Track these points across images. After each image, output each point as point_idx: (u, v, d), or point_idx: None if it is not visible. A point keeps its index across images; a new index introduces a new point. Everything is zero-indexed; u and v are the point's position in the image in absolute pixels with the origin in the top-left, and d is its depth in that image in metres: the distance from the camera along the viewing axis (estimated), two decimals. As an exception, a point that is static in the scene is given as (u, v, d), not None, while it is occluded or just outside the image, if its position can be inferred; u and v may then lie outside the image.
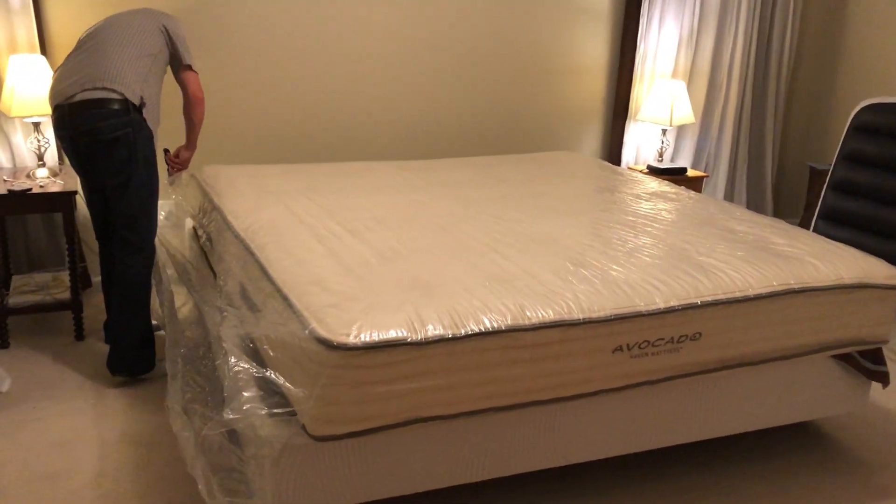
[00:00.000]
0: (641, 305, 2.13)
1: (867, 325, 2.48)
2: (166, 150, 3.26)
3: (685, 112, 4.43)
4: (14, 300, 3.32)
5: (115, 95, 2.78)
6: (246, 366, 2.03)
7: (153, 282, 3.07)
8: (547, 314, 2.02)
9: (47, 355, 3.22)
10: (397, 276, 2.18)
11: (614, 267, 2.33)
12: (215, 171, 3.32)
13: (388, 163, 3.70)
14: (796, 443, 2.80)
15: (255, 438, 1.92)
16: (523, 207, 2.97)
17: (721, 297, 2.23)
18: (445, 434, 2.08)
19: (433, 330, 1.90)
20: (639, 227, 2.76)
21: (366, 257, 2.32)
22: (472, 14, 4.25)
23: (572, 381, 2.10)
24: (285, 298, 2.06)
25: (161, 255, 3.15)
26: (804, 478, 2.59)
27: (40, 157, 3.44)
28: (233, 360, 2.03)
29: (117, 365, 2.99)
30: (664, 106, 4.39)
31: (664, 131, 4.58)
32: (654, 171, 4.45)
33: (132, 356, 3.00)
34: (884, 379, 2.62)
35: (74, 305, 3.33)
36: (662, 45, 4.58)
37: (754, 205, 5.05)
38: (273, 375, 1.96)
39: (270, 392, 1.97)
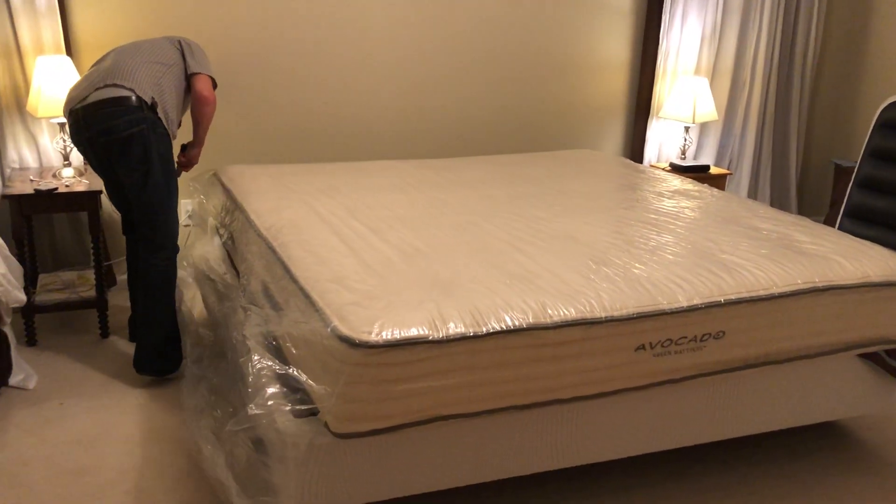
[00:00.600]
0: (664, 304, 2.12)
1: (895, 323, 2.45)
2: (183, 146, 3.25)
3: (708, 109, 4.40)
4: (40, 298, 3.36)
5: (125, 92, 2.80)
6: (269, 363, 2.04)
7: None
8: (569, 312, 2.02)
9: (73, 353, 3.26)
10: (419, 274, 2.18)
11: (637, 265, 2.31)
12: (238, 170, 3.34)
13: (410, 161, 3.71)
14: (821, 443, 2.77)
15: (278, 435, 1.94)
16: (545, 205, 2.96)
17: (745, 295, 2.21)
18: (467, 432, 2.08)
19: (455, 328, 1.90)
20: (661, 225, 2.74)
21: (387, 255, 2.33)
22: (493, 12, 4.24)
23: (594, 379, 2.10)
24: (307, 297, 2.07)
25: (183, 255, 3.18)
26: (830, 478, 2.57)
27: (66, 157, 3.48)
28: (256, 357, 2.05)
29: (143, 364, 3.02)
30: (687, 103, 4.36)
31: (687, 129, 4.54)
32: (676, 169, 4.42)
33: (158, 355, 3.02)
34: (911, 378, 2.60)
35: (100, 303, 3.36)
36: (685, 41, 4.55)
37: (778, 202, 5.00)
38: (296, 373, 1.97)
39: (293, 389, 1.98)
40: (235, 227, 2.94)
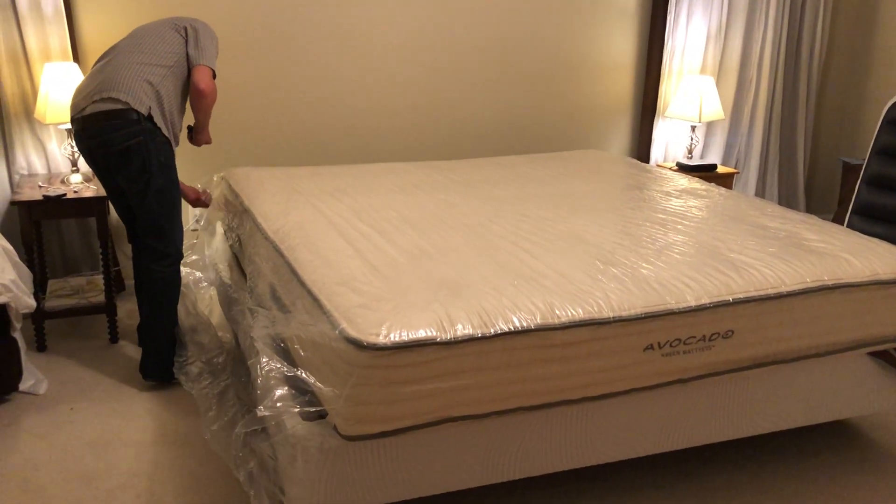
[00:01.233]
0: (672, 303, 2.12)
1: (904, 321, 2.44)
2: (189, 128, 3.22)
3: (714, 108, 4.39)
4: (50, 304, 3.37)
5: (120, 106, 2.76)
6: (277, 365, 2.05)
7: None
8: (577, 313, 2.02)
9: (82, 358, 3.27)
10: (426, 275, 2.18)
11: (644, 265, 2.31)
12: (244, 173, 3.35)
13: (416, 163, 3.71)
14: (831, 442, 2.76)
15: (288, 438, 1.94)
16: (552, 206, 2.96)
17: (753, 294, 2.20)
18: (476, 434, 2.08)
19: (462, 329, 1.90)
20: (669, 225, 2.73)
21: (394, 257, 2.33)
22: (498, 13, 4.24)
23: (603, 380, 2.09)
24: (315, 299, 2.07)
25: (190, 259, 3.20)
26: (840, 478, 2.56)
27: (74, 163, 3.50)
28: (264, 359, 2.05)
29: (148, 369, 3.03)
30: (693, 102, 4.35)
31: (693, 128, 4.53)
32: (683, 169, 4.41)
33: (163, 360, 3.03)
34: (922, 376, 2.58)
35: (109, 309, 3.38)
36: (690, 41, 4.54)
37: (786, 201, 4.99)
38: (304, 375, 1.98)
39: (302, 391, 1.99)
40: (243, 230, 2.95)
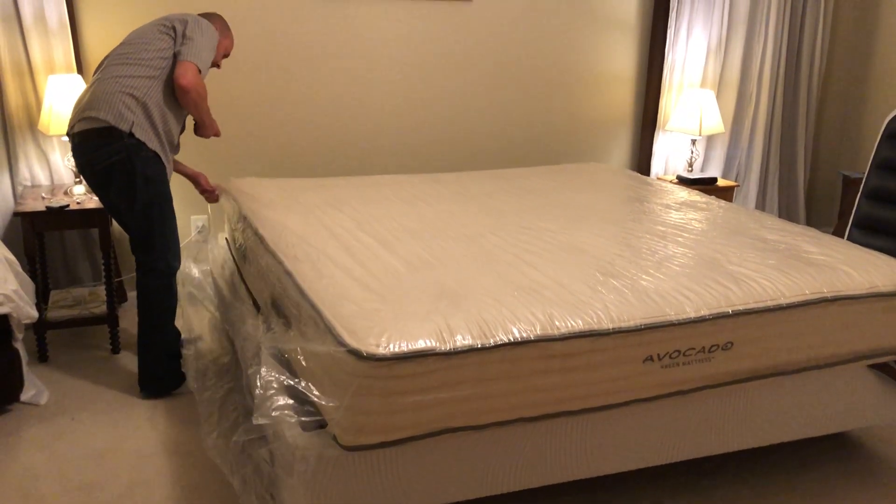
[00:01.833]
0: (672, 315, 2.12)
1: (904, 333, 2.44)
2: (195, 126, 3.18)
3: (715, 122, 4.41)
4: (52, 314, 3.38)
5: (101, 124, 2.76)
6: (276, 374, 2.05)
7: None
8: (576, 324, 2.02)
9: (84, 369, 3.27)
10: (426, 286, 2.19)
11: (644, 276, 2.32)
12: (246, 184, 3.37)
13: (418, 175, 3.73)
14: (833, 454, 2.75)
15: (287, 448, 1.94)
16: (552, 218, 2.97)
17: (752, 306, 2.21)
18: (476, 445, 2.08)
19: (462, 340, 1.91)
20: (669, 237, 2.74)
21: (395, 268, 2.34)
22: (499, 26, 4.27)
23: (602, 391, 2.10)
24: (315, 309, 2.08)
25: (190, 269, 3.20)
26: (841, 490, 2.55)
27: (77, 174, 3.51)
28: (263, 368, 2.06)
29: (144, 384, 3.04)
30: (693, 116, 4.37)
31: (693, 141, 4.55)
32: (683, 182, 4.42)
33: (158, 373, 3.03)
34: (922, 389, 2.58)
35: (110, 320, 3.38)
36: (691, 54, 4.56)
37: (787, 214, 5.00)
38: (303, 384, 1.98)
39: (301, 401, 1.99)
40: (244, 241, 2.96)
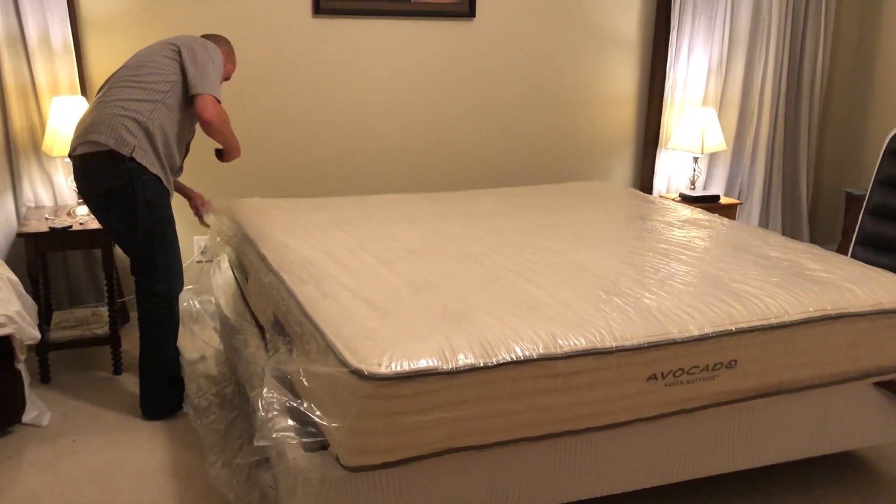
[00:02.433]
0: (675, 333, 2.11)
1: (909, 351, 2.43)
2: (216, 151, 3.19)
3: (717, 140, 4.41)
4: (55, 335, 3.38)
5: (102, 148, 2.76)
6: (278, 395, 2.05)
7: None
8: (579, 342, 2.01)
9: (86, 390, 3.27)
10: (428, 305, 2.19)
11: (647, 295, 2.31)
12: (248, 204, 3.37)
13: (419, 195, 3.73)
14: (837, 473, 2.73)
15: (289, 469, 1.93)
16: (554, 236, 2.96)
17: (756, 323, 2.20)
18: (479, 464, 2.07)
19: (464, 359, 1.90)
20: (671, 255, 2.74)
21: (397, 287, 2.33)
22: (501, 45, 4.29)
23: (606, 410, 2.09)
24: (318, 329, 2.08)
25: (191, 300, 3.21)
26: (848, 509, 2.53)
27: (80, 195, 3.52)
28: (265, 389, 2.05)
29: (145, 408, 3.04)
30: (695, 134, 4.38)
31: (696, 159, 4.56)
32: (686, 200, 4.42)
33: (158, 396, 3.02)
34: (928, 407, 2.56)
35: (113, 341, 3.38)
36: (692, 73, 4.58)
37: (790, 231, 4.99)
38: (306, 405, 1.97)
39: (304, 422, 1.98)
40: (246, 261, 2.96)
